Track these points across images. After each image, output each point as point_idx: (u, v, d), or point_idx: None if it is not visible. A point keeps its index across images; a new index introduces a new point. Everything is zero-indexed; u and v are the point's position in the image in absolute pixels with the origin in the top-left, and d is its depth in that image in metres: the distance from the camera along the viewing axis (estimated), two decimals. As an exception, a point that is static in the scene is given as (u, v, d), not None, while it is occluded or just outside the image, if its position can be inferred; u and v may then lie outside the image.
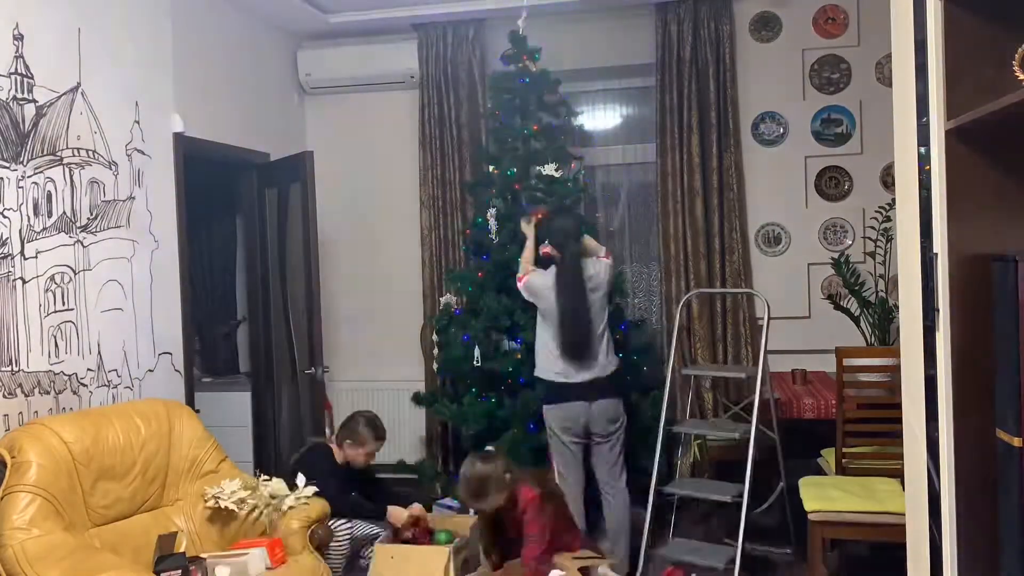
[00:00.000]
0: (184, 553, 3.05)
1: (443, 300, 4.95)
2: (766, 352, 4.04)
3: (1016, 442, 1.74)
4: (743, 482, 3.78)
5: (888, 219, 4.73)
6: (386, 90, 5.68)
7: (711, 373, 4.80)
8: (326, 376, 5.67)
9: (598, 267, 3.91)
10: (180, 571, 2.91)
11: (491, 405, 4.44)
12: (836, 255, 5.02)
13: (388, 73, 5.58)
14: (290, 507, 3.28)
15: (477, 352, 4.41)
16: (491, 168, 4.66)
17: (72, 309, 3.38)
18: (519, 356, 4.36)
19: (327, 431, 4.97)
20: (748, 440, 3.87)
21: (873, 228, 4.85)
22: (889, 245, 4.78)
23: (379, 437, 4.04)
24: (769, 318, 4.03)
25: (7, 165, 3.08)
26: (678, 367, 4.49)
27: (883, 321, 4.59)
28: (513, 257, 4.28)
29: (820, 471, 4.20)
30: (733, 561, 3.67)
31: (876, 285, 4.77)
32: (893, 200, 4.66)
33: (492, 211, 4.53)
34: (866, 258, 4.90)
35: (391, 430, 5.19)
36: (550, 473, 3.86)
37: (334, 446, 4.03)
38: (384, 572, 3.61)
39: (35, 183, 3.21)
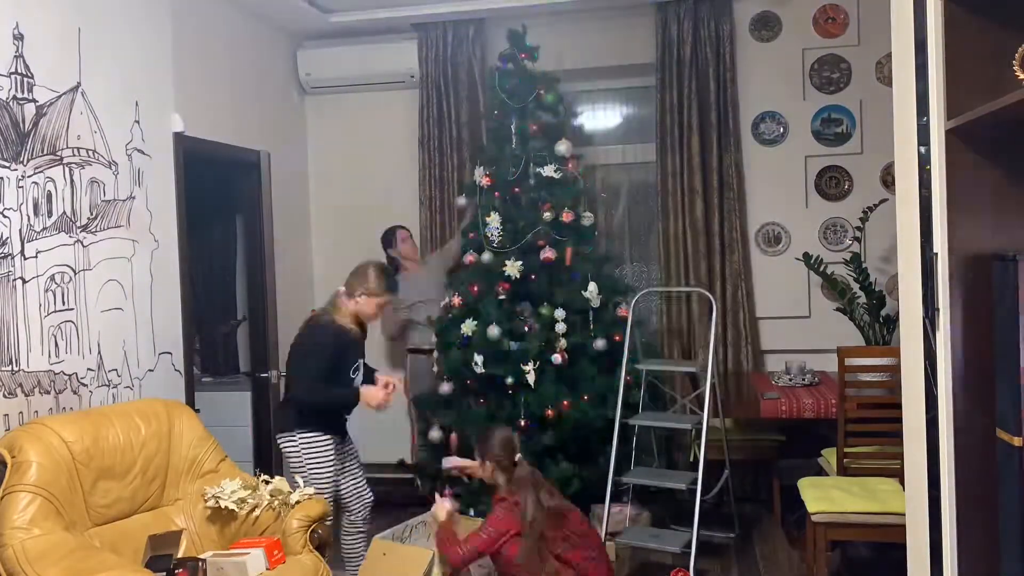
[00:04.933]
0: (171, 555, 3.05)
1: (442, 303, 4.95)
2: (715, 346, 4.35)
3: (1016, 442, 1.74)
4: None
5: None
6: (386, 90, 5.68)
7: (661, 368, 4.78)
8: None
9: None
10: (165, 573, 2.91)
11: (491, 408, 4.44)
12: (838, 254, 5.04)
13: (388, 73, 5.58)
14: (297, 502, 3.28)
15: (480, 359, 4.39)
16: (485, 173, 4.64)
17: (72, 309, 3.38)
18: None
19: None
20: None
21: (860, 229, 4.86)
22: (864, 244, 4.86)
23: (391, 288, 3.78)
24: (716, 317, 4.22)
25: (7, 165, 3.08)
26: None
27: (877, 318, 4.61)
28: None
29: (821, 471, 4.21)
30: (689, 545, 3.82)
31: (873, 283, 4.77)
32: (882, 200, 4.76)
33: (494, 216, 4.52)
34: (866, 257, 4.90)
35: (391, 431, 5.23)
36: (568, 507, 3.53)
37: (343, 299, 3.70)
38: (375, 567, 3.62)
39: (35, 183, 3.21)
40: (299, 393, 3.60)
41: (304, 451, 3.60)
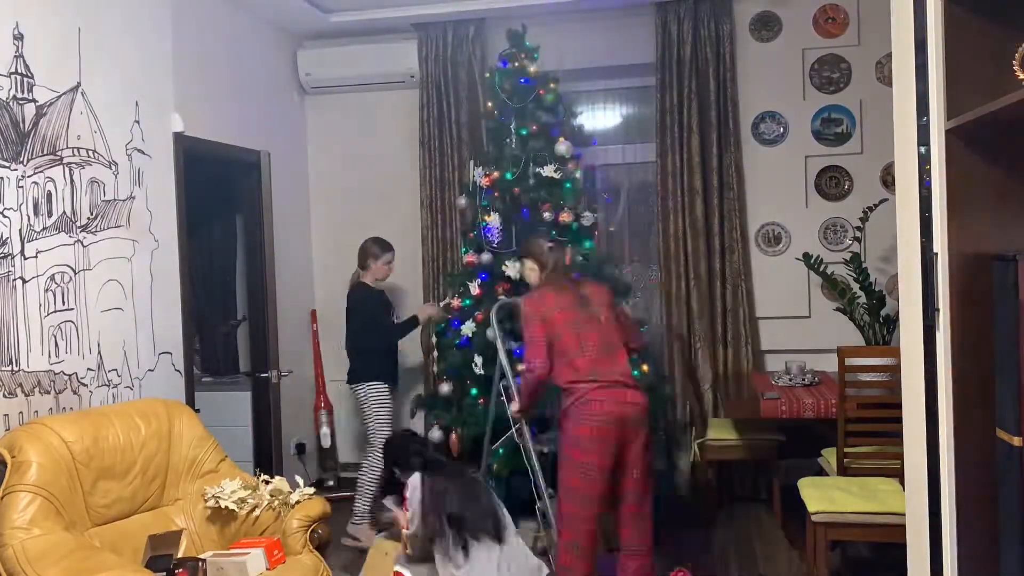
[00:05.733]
0: (171, 555, 3.05)
1: (442, 304, 4.95)
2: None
3: (1016, 442, 1.74)
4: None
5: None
6: (386, 90, 5.68)
7: None
8: (327, 376, 5.70)
9: None
10: (165, 573, 2.91)
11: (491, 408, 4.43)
12: (838, 254, 5.04)
13: (388, 73, 5.58)
14: (297, 502, 3.28)
15: (480, 360, 4.39)
16: (485, 174, 4.63)
17: (72, 309, 3.38)
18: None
19: (323, 428, 5.54)
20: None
21: (860, 229, 4.87)
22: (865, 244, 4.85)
23: (389, 247, 4.81)
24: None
25: (7, 165, 3.08)
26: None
27: (877, 318, 4.61)
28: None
29: (821, 471, 4.21)
30: None
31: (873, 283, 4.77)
32: (882, 200, 4.76)
33: (495, 216, 4.51)
34: (866, 257, 4.90)
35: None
36: None
37: (365, 276, 4.77)
38: (377, 567, 3.63)
39: (35, 183, 3.21)
40: (374, 342, 4.68)
41: (371, 397, 4.64)
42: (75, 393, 3.37)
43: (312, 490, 3.40)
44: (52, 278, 3.28)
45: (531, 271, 3.70)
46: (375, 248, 4.78)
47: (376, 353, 4.69)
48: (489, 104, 4.88)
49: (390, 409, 4.69)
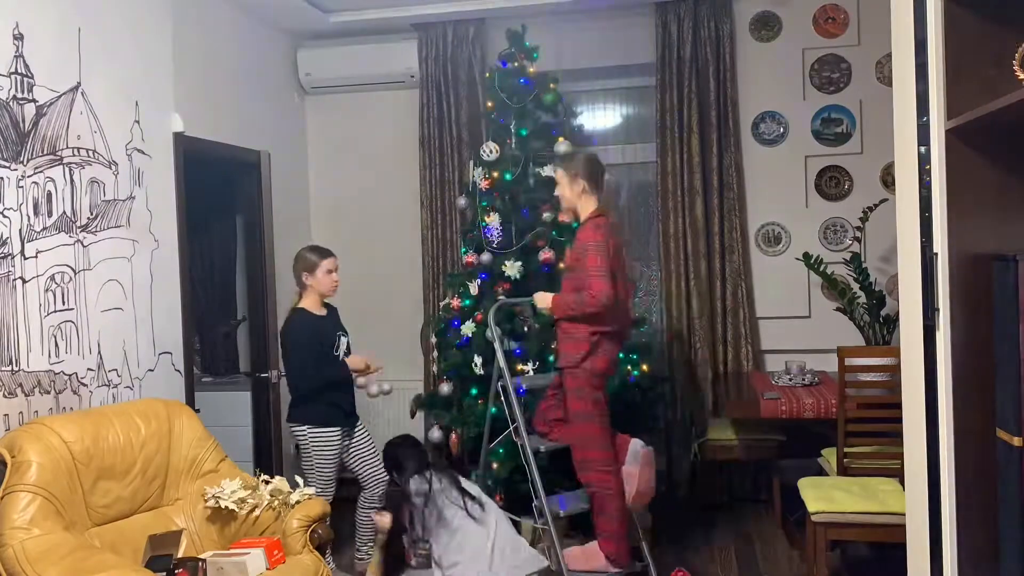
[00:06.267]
0: (171, 555, 3.05)
1: (443, 304, 4.95)
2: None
3: (1016, 442, 1.74)
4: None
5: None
6: (386, 90, 5.68)
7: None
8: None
9: None
10: (165, 573, 2.91)
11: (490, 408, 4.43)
12: (838, 254, 5.04)
13: (388, 73, 5.58)
14: (297, 502, 3.28)
15: (480, 360, 4.39)
16: (484, 176, 4.63)
17: (72, 309, 3.38)
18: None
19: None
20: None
21: (860, 229, 4.87)
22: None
23: (325, 254, 3.96)
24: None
25: (7, 165, 3.08)
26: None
27: (877, 318, 4.61)
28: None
29: (821, 471, 4.21)
30: None
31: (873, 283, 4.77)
32: (882, 200, 4.76)
33: (494, 216, 4.51)
34: (866, 257, 4.90)
35: (393, 431, 5.21)
36: None
37: (304, 298, 3.96)
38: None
39: (35, 183, 3.21)
40: (297, 387, 3.91)
41: (312, 443, 3.87)
42: (75, 393, 3.37)
43: (312, 490, 3.40)
44: (52, 278, 3.28)
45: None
46: (309, 256, 3.93)
47: (324, 391, 3.89)
48: (489, 104, 4.88)
49: (335, 457, 3.91)
